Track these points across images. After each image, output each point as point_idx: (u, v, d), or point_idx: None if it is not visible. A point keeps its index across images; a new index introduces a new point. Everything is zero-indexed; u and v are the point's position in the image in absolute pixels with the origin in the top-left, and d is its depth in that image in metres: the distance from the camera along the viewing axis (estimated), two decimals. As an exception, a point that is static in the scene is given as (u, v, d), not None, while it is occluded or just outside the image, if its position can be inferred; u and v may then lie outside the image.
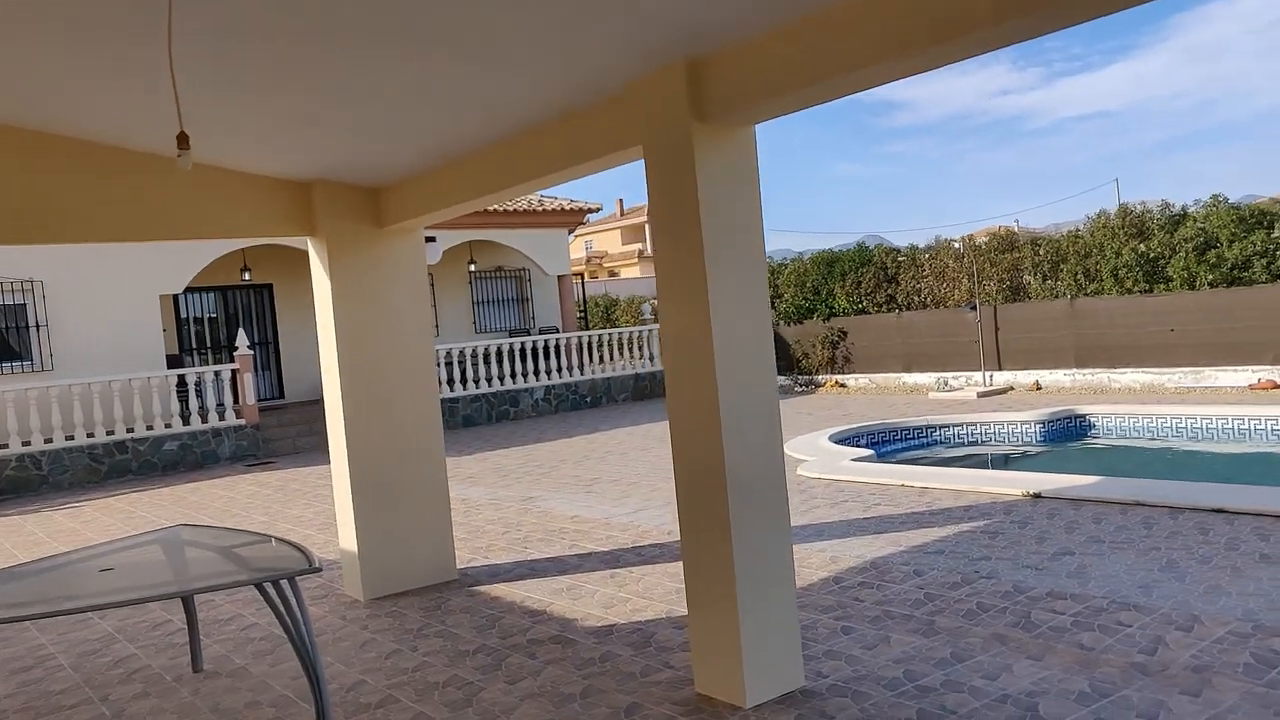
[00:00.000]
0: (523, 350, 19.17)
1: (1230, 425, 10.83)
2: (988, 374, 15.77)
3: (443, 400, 17.50)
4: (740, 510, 3.99)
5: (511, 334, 21.45)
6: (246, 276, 18.20)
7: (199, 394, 15.67)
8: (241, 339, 15.72)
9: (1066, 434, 11.79)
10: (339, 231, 6.28)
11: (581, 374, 19.38)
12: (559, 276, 21.30)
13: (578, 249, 51.34)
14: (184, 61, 3.71)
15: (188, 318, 18.76)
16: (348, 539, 6.40)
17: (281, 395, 19.22)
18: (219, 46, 3.83)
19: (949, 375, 16.45)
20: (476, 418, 17.93)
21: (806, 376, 18.84)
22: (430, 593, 6.30)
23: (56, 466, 13.80)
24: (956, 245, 24.94)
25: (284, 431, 16.70)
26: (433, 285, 20.95)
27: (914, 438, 12.14)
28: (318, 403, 18.80)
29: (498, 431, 16.50)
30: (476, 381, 18.17)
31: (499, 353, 18.76)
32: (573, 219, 21.43)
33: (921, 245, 24.85)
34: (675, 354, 4.14)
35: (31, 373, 15.04)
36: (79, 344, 15.40)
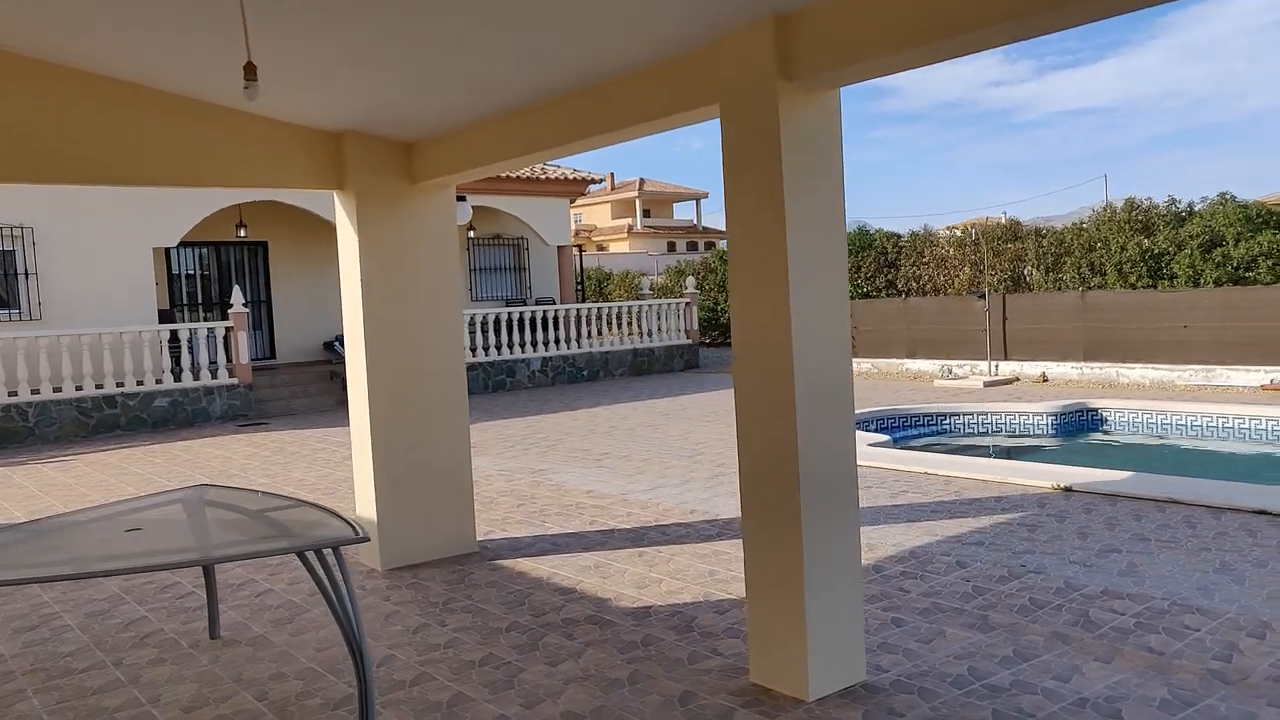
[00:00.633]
0: (520, 321, 18.90)
1: (1247, 425, 10.75)
2: (993, 363, 15.65)
3: (439, 367, 17.21)
4: (812, 496, 3.79)
5: (508, 303, 21.16)
6: (242, 233, 17.80)
7: (191, 351, 15.31)
8: (237, 296, 15.36)
9: (1078, 427, 11.68)
10: (369, 186, 6.00)
11: (579, 347, 19.13)
12: (559, 247, 21.00)
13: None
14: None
15: (179, 273, 18.36)
16: (365, 505, 6.16)
17: (273, 355, 18.88)
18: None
19: (954, 363, 16.32)
20: (473, 387, 17.65)
21: (807, 359, 18.66)
22: (450, 565, 6.09)
23: (44, 419, 13.45)
24: (958, 233, 24.85)
25: (276, 392, 16.39)
26: (431, 250, 20.60)
27: (924, 424, 12.00)
28: (311, 364, 18.49)
29: (495, 401, 16.25)
30: (473, 350, 17.89)
31: (496, 322, 18.47)
32: (575, 189, 21.10)
33: (920, 232, 24.74)
34: (747, 330, 3.92)
35: (19, 322, 14.64)
36: (69, 294, 15.00)
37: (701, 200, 64.15)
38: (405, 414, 6.14)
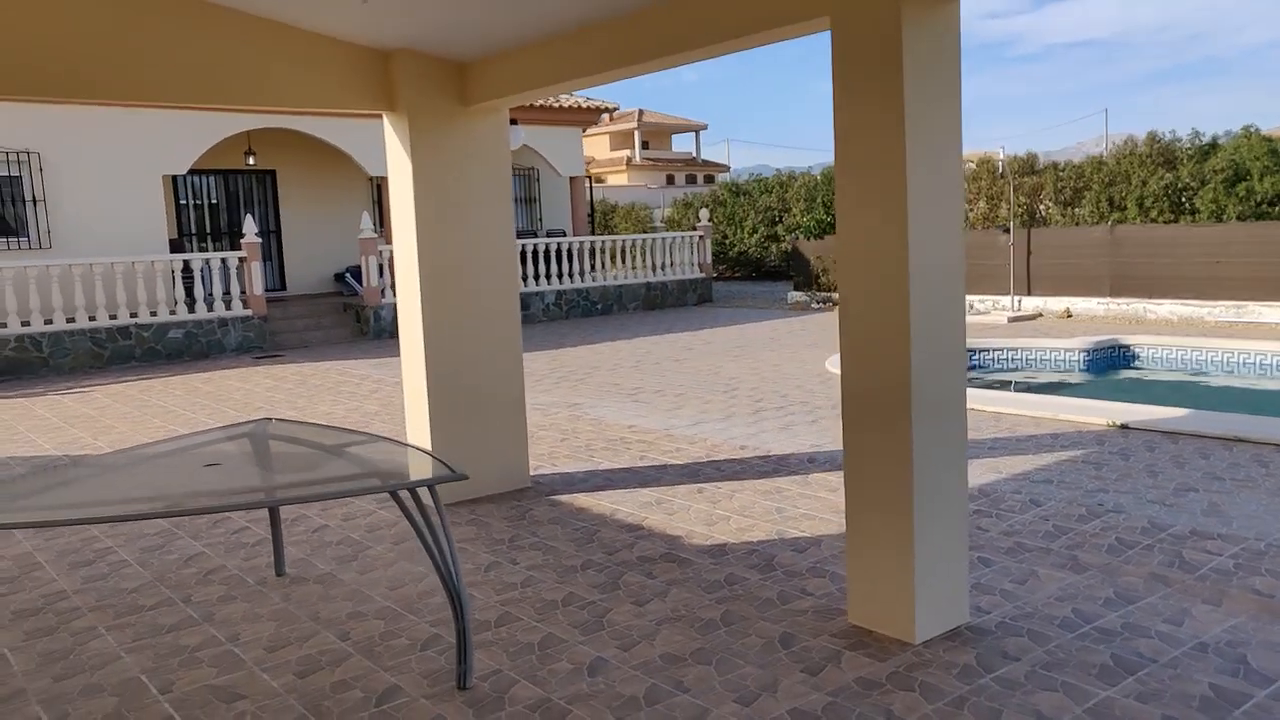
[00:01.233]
0: (534, 252, 18.59)
1: (1284, 362, 10.62)
2: (1016, 299, 15.48)
3: (454, 300, 16.97)
4: (923, 428, 3.64)
5: (519, 235, 20.83)
6: (251, 161, 17.39)
7: (204, 282, 15.04)
8: (249, 225, 15.03)
9: (1110, 363, 11.56)
10: (422, 108, 5.72)
11: (593, 280, 18.88)
12: (571, 178, 20.60)
13: (571, 152, 50.06)
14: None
15: (187, 202, 17.98)
16: (419, 437, 6.01)
17: (284, 287, 18.60)
18: None
19: (975, 298, 16.13)
20: (487, 319, 17.43)
21: (826, 293, 18.45)
22: (507, 500, 5.97)
23: (57, 349, 13.24)
24: (971, 166, 24.43)
25: (290, 324, 16.17)
26: (440, 180, 20.20)
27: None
28: (322, 296, 18.23)
29: (512, 334, 16.03)
30: (488, 282, 17.60)
31: (508, 254, 18.19)
32: (588, 118, 20.63)
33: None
34: (856, 251, 3.73)
35: (28, 250, 14.33)
36: (78, 222, 14.67)
37: (700, 132, 63.16)
38: (459, 343, 5.95)
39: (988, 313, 15.65)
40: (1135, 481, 5.72)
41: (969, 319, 15.06)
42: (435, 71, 5.75)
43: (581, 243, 18.93)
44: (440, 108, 5.79)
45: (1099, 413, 7.43)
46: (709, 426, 7.92)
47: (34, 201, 14.37)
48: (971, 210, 22.11)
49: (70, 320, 13.48)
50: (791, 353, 12.25)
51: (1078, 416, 7.42)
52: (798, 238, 20.12)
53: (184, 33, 4.95)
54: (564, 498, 5.99)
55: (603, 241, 19.20)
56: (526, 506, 5.81)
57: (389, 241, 17.43)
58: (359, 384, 11.30)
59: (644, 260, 19.98)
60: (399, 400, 9.98)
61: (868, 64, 3.56)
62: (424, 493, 3.38)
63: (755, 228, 26.62)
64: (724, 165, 62.07)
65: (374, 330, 16.17)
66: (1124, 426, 7.10)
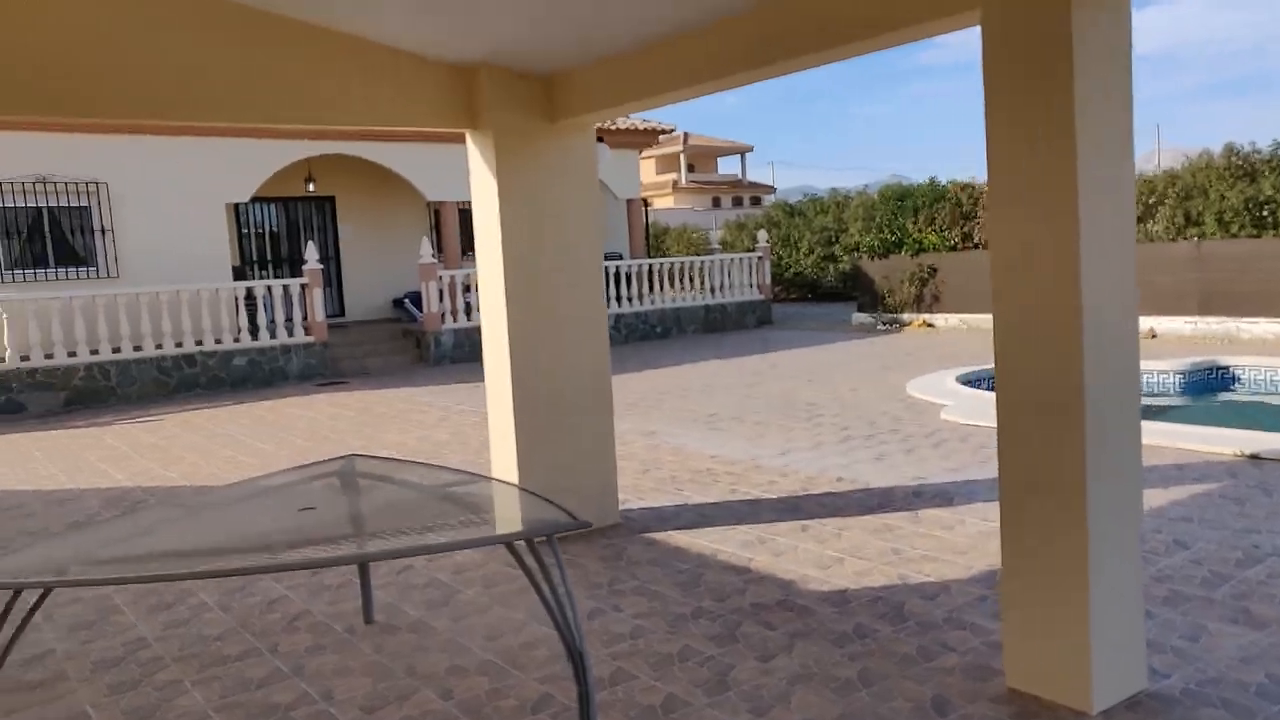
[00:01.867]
0: (593, 276, 18.34)
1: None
2: (1097, 319, 14.85)
3: (513, 324, 16.77)
4: (1099, 461, 3.22)
5: (575, 258, 20.61)
6: (311, 188, 17.40)
7: (266, 309, 14.98)
8: (311, 252, 14.97)
9: (1208, 386, 10.96)
10: (508, 125, 5.46)
11: (652, 303, 18.59)
12: (628, 200, 20.37)
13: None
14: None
15: (248, 230, 18.02)
16: (504, 471, 5.70)
17: (342, 313, 18.54)
18: None
19: (1052, 319, 15.54)
20: (546, 344, 17.20)
21: (891, 315, 17.96)
22: (598, 538, 5.63)
23: (124, 378, 13.22)
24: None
25: (350, 351, 16.07)
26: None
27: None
28: (381, 322, 18.14)
29: (573, 359, 15.77)
30: (547, 306, 17.39)
31: (566, 277, 17.95)
32: (645, 140, 20.43)
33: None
34: (1013, 272, 3.34)
35: (96, 279, 14.39)
36: (144, 251, 14.71)
37: (746, 154, 62.85)
38: (547, 369, 5.65)
39: (1066, 333, 15.04)
40: (1287, 519, 5.22)
41: (1047, 340, 14.48)
42: (520, 87, 5.49)
43: (640, 265, 18.66)
44: (525, 125, 5.52)
45: (1224, 441, 6.92)
46: (798, 456, 7.53)
47: (102, 231, 14.44)
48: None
49: (137, 349, 13.47)
50: (867, 377, 11.80)
51: (1200, 445, 6.91)
52: (860, 257, 19.63)
53: (265, 53, 4.74)
54: (658, 535, 5.63)
55: (661, 264, 18.92)
56: (620, 545, 5.47)
57: (448, 267, 17.32)
58: (425, 412, 11.07)
59: (702, 282, 19.65)
60: (468, 429, 9.72)
61: (1029, 57, 3.19)
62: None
63: (811, 248, 26.18)
64: (770, 186, 61.75)
65: (434, 357, 16.01)
66: (1254, 456, 6.58)
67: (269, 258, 18.26)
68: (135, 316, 13.66)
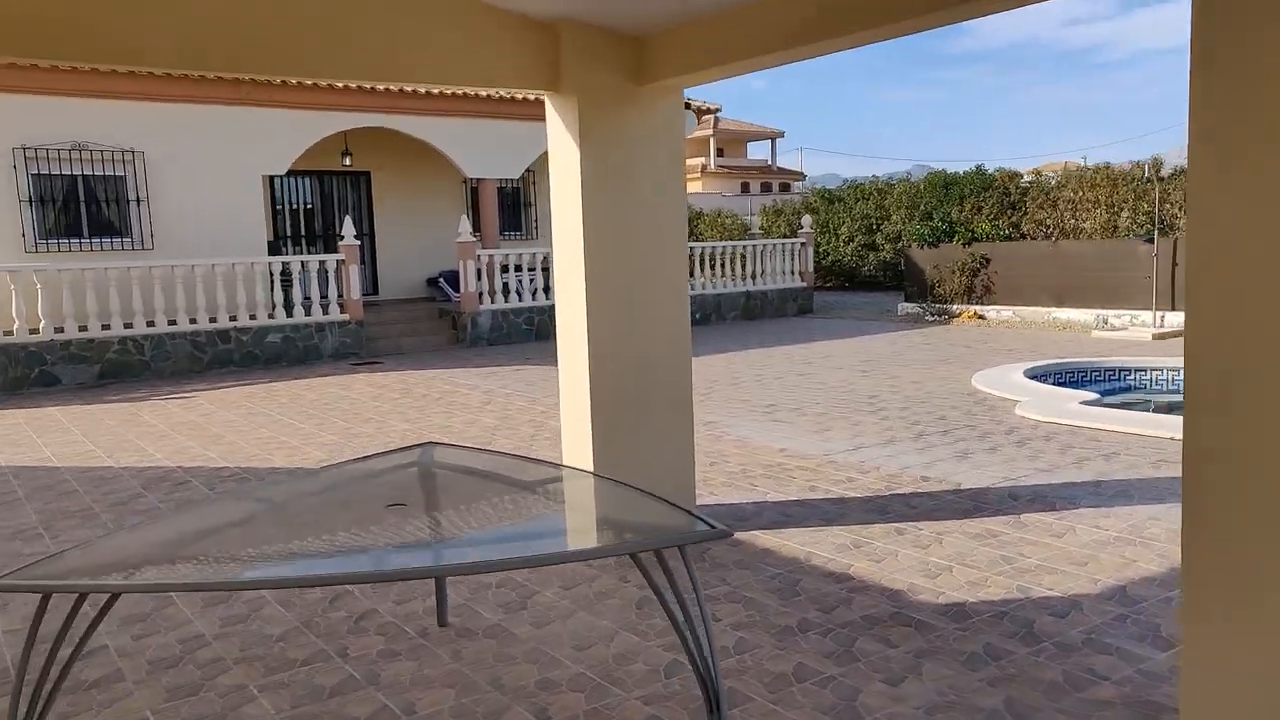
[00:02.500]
0: (631, 258, 17.91)
1: None
2: (1159, 314, 14.33)
3: (552, 307, 16.42)
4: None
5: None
6: (347, 162, 17.06)
7: (302, 285, 14.67)
8: (348, 228, 14.64)
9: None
10: (593, 87, 5.05)
11: (690, 289, 18.13)
12: (669, 182, 19.88)
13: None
14: None
15: (282, 205, 17.70)
16: (578, 460, 5.32)
17: (376, 291, 18.22)
18: None
19: (1110, 313, 15.02)
20: (584, 327, 16.82)
21: (940, 305, 17.46)
22: (676, 536, 5.24)
23: (159, 352, 12.94)
24: (1089, 173, 23.06)
25: (384, 330, 15.75)
26: (533, 183, 19.71)
27: (1104, 380, 10.85)
28: (415, 301, 17.82)
29: (613, 343, 15.39)
30: (585, 289, 16.99)
31: (603, 260, 17.50)
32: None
33: (1043, 174, 23.09)
34: (1225, 257, 2.90)
35: (130, 251, 14.11)
36: (179, 223, 14.41)
37: (776, 140, 62.12)
38: (626, 353, 5.26)
39: (1125, 329, 14.53)
40: None
41: (1106, 335, 13.98)
42: (606, 46, 5.08)
43: (680, 249, 18.21)
44: (611, 86, 5.11)
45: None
46: (873, 452, 7.12)
47: (137, 201, 14.15)
48: (1089, 219, 20.86)
49: (171, 323, 13.19)
50: (926, 369, 11.35)
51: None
52: (909, 246, 19.10)
53: (353, 7, 4.36)
54: (742, 535, 5.25)
55: (700, 248, 18.49)
56: (703, 545, 5.09)
57: (486, 246, 16.96)
58: (468, 395, 10.72)
59: (742, 268, 19.20)
60: (516, 414, 9.36)
61: (1252, 28, 2.75)
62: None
63: (851, 236, 25.64)
64: (799, 173, 61.04)
65: (471, 337, 15.67)
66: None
67: (303, 233, 17.95)
68: (170, 290, 13.38)
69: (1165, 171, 20.98)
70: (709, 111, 20.24)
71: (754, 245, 19.27)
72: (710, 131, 57.71)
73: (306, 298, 14.58)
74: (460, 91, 16.68)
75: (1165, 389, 10.81)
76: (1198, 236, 2.93)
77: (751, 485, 6.30)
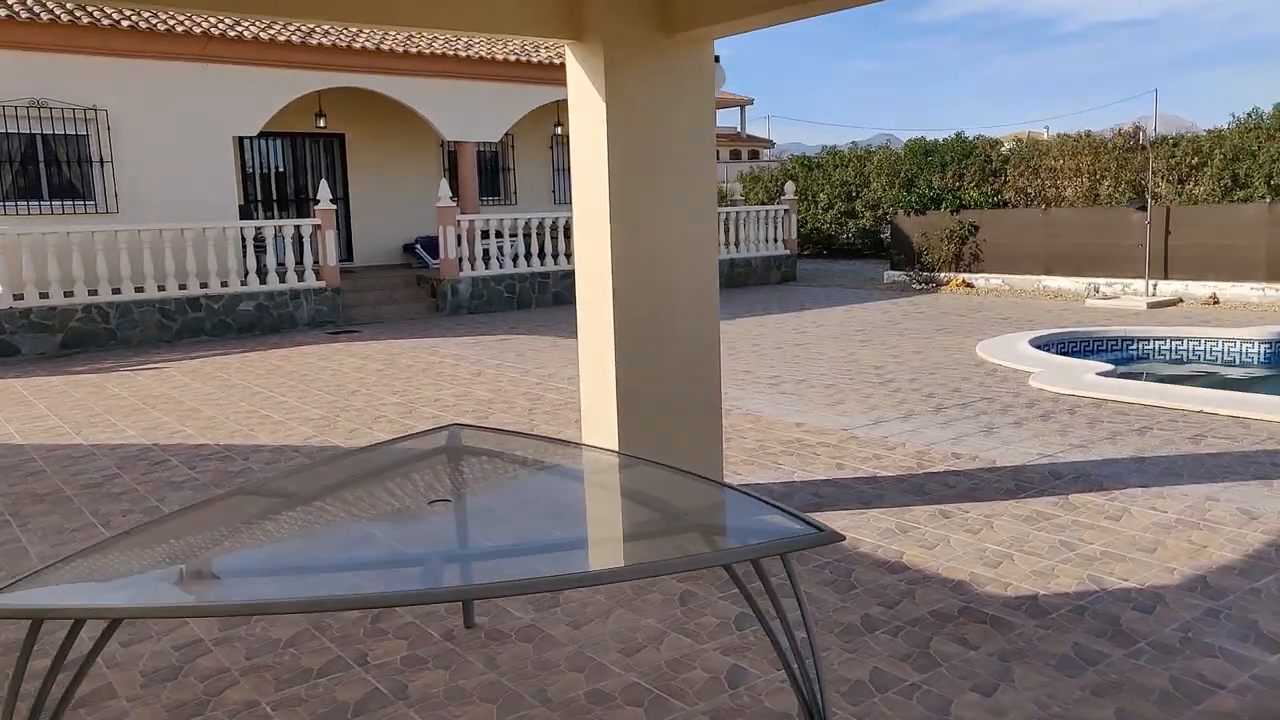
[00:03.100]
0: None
1: None
2: (1151, 282, 14.15)
3: (533, 275, 15.97)
4: None
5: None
6: (322, 123, 16.37)
7: (276, 250, 14.07)
8: (324, 191, 14.03)
9: (1294, 357, 10.28)
10: (619, 36, 4.61)
11: (676, 255, 17.70)
12: (651, 146, 19.36)
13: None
14: None
15: (253, 168, 16.99)
16: (602, 439, 4.93)
17: (351, 258, 17.60)
18: None
19: (1101, 281, 14.83)
20: (567, 295, 16.36)
21: (928, 273, 17.19)
22: (707, 521, 4.88)
23: (125, 321, 12.33)
24: (1071, 141, 22.82)
25: (360, 298, 15.20)
26: (512, 147, 19.13)
27: (1107, 350, 10.63)
28: (391, 268, 17.23)
29: (599, 312, 14.96)
30: (569, 256, 16.53)
31: (585, 226, 16.93)
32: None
33: (1025, 141, 22.84)
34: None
35: (94, 215, 13.41)
36: (146, 185, 13.70)
37: (745, 108, 61.44)
38: (654, 322, 4.86)
39: (1117, 297, 14.35)
40: None
41: (1100, 304, 13.78)
42: (635, -9, 4.63)
43: (664, 215, 17.78)
44: (639, 36, 4.67)
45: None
46: (894, 427, 6.80)
47: (100, 162, 13.42)
48: (1071, 186, 20.66)
49: (138, 290, 12.56)
50: (925, 339, 11.07)
51: (1353, 426, 6.22)
52: (895, 213, 18.79)
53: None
54: (777, 519, 4.90)
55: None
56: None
57: (465, 211, 16.39)
58: (455, 365, 10.27)
59: (725, 236, 18.80)
60: (508, 386, 8.94)
61: None
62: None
63: (830, 203, 25.31)
64: (768, 141, 60.45)
65: (451, 305, 15.16)
66: None
67: (274, 197, 17.26)
68: (136, 255, 12.73)
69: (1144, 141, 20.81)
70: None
71: (736, 212, 18.86)
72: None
73: (281, 264, 13.99)
74: (440, 51, 16.04)
75: (1172, 359, 10.61)
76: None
77: (775, 463, 5.96)
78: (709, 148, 4.97)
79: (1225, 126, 19.39)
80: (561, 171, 20.08)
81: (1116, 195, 19.25)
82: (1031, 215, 16.56)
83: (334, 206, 14.22)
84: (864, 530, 4.69)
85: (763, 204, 23.84)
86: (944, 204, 17.95)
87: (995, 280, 16.32)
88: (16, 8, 12.58)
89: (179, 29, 13.66)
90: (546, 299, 16.14)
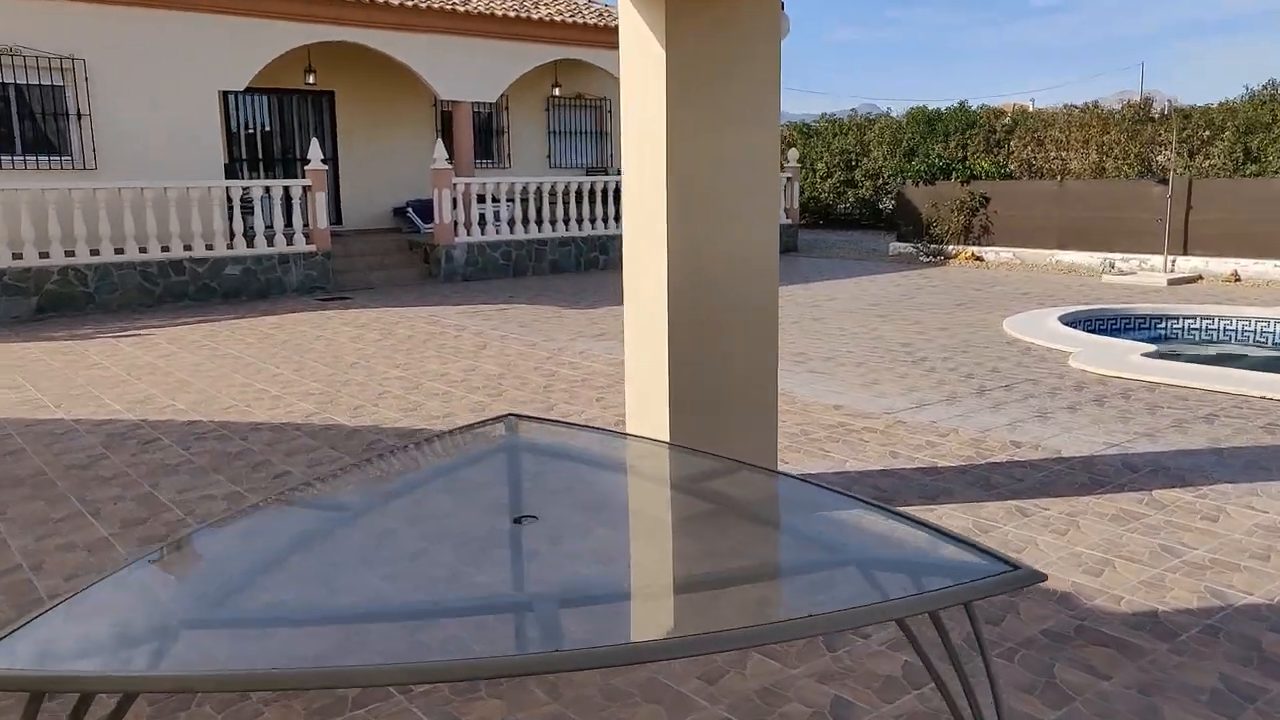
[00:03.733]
0: (604, 192, 16.81)
1: None
2: (1170, 259, 13.79)
3: (530, 242, 15.42)
4: None
5: (589, 172, 19.08)
6: (311, 80, 15.65)
7: (264, 212, 13.43)
8: (315, 151, 13.39)
9: (1330, 339, 9.94)
10: (680, -27, 4.08)
11: (677, 223, 17.17)
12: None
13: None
14: None
15: (237, 126, 16.25)
16: (649, 428, 4.47)
17: (340, 221, 16.95)
18: None
19: (1116, 257, 14.46)
20: (564, 263, 15.85)
21: (936, 245, 16.76)
22: (764, 518, 4.44)
23: (104, 284, 11.70)
24: (1076, 111, 22.34)
25: (352, 263, 14.61)
26: (506, 109, 18.46)
27: (1136, 328, 10.25)
28: (382, 232, 16.61)
29: (597, 281, 14.48)
30: (566, 223, 15.98)
31: (579, 192, 16.34)
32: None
33: (1031, 110, 22.41)
34: None
35: (71, 170, 12.71)
36: (126, 141, 13.01)
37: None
38: (711, 307, 4.39)
39: (1134, 273, 13.98)
40: None
41: (1117, 280, 13.40)
42: (698, -77, 4.11)
43: (665, 182, 17.21)
44: (701, -25, 4.15)
45: None
46: (938, 411, 6.38)
47: (78, 115, 12.71)
48: (1077, 159, 20.24)
49: (119, 251, 11.92)
50: (946, 314, 10.65)
51: None
52: (903, 183, 18.31)
53: None
54: (841, 516, 4.46)
55: (688, 181, 17.47)
56: (802, 530, 4.29)
57: (460, 174, 15.76)
58: (457, 336, 9.76)
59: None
60: (518, 360, 8.45)
61: None
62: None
63: (829, 172, 24.80)
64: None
65: (445, 272, 14.61)
66: None
67: (260, 157, 16.55)
68: (117, 215, 12.08)
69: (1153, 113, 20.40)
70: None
71: (740, 179, 18.31)
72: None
73: (269, 226, 13.39)
74: (437, 5, 15.34)
75: (1203, 338, 10.24)
76: None
77: (822, 451, 5.52)
78: (774, 101, 4.46)
79: (1236, 99, 19.01)
80: (557, 134, 19.44)
81: (1126, 169, 18.89)
82: (1045, 187, 16.14)
83: (326, 167, 13.58)
84: (940, 530, 4.25)
85: (761, 172, 23.29)
86: (953, 174, 17.49)
87: (1006, 254, 15.92)
88: (-13, -52, 11.81)
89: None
90: (543, 267, 15.60)
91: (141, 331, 10.34)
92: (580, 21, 17.10)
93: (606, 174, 18.68)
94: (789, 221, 18.92)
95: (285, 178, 15.84)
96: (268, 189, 13.19)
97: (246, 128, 16.43)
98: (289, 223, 13.36)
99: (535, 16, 16.48)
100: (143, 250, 12.02)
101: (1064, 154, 20.61)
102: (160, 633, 1.75)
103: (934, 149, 21.86)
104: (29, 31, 12.16)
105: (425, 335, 9.88)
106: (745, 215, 4.41)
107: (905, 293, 12.60)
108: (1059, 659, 3.12)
